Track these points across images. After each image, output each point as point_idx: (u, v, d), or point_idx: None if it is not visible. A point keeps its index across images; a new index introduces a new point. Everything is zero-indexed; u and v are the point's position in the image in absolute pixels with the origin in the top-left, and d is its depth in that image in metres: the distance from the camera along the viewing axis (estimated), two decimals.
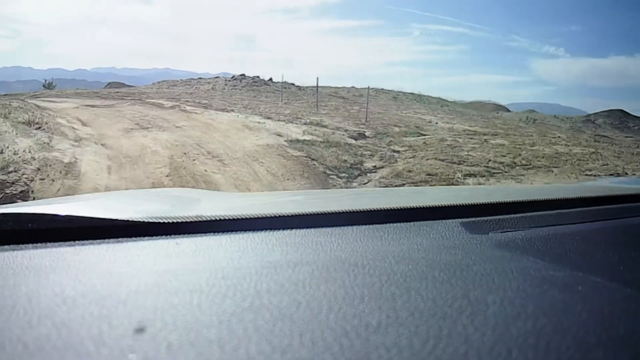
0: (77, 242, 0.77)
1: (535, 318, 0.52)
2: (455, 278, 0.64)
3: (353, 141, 12.37)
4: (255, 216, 0.89)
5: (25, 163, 7.86)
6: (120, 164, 8.89)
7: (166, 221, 0.83)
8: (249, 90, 25.53)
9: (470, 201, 1.18)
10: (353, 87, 31.35)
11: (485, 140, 13.32)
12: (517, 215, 1.03)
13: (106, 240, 0.79)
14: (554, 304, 0.57)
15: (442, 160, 10.75)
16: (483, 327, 0.50)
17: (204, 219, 0.86)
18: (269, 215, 0.90)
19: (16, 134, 9.98)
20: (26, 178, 7.30)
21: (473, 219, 0.98)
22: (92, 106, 16.47)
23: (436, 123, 17.01)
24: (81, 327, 0.49)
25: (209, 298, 0.56)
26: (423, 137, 13.50)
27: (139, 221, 0.83)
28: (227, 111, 16.52)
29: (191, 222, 0.85)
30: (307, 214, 0.96)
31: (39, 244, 0.76)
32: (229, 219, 0.87)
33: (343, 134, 13.37)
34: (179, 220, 0.84)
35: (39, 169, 7.70)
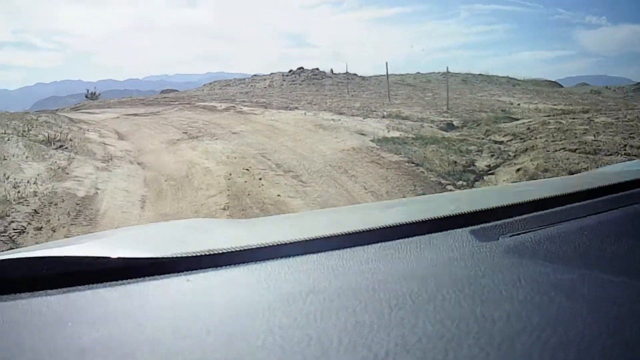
0: (88, 285, 0.76)
1: (541, 330, 0.52)
2: (464, 294, 0.64)
3: (445, 133, 10.42)
4: (264, 245, 0.88)
5: (20, 203, 5.41)
6: (160, 191, 6.36)
7: (177, 256, 0.82)
8: (310, 85, 23.13)
9: (478, 207, 1.08)
10: (418, 72, 29.13)
11: (589, 119, 10.69)
12: (526, 215, 1.02)
13: (119, 281, 0.77)
14: (560, 313, 0.58)
15: (573, 151, 7.97)
16: (488, 347, 0.50)
17: (215, 252, 0.84)
18: (278, 243, 0.88)
19: (27, 157, 7.61)
20: (14, 229, 4.82)
21: (482, 226, 0.96)
22: (135, 115, 14.30)
23: (518, 104, 15.27)
24: None
25: (222, 339, 0.57)
26: (519, 121, 11.49)
27: (150, 258, 0.82)
28: (290, 109, 14.14)
29: (202, 256, 0.83)
30: (315, 239, 0.92)
31: (52, 290, 0.74)
32: (240, 250, 0.86)
33: (431, 126, 11.17)
34: (190, 255, 0.83)
35: (36, 212, 5.20)
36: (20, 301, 0.72)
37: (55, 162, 7.34)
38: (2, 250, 4.40)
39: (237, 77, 29.31)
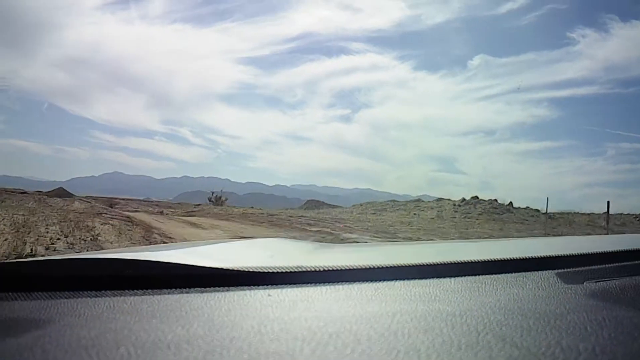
0: (174, 289, 0.79)
1: None
2: (550, 327, 0.66)
3: None
4: (352, 268, 0.90)
5: None
6: None
7: (265, 271, 0.85)
8: (489, 220, 17.94)
9: (565, 252, 1.13)
10: (592, 212, 24.34)
11: None
12: (611, 265, 1.04)
13: (206, 288, 0.80)
14: None
15: None
16: None
17: (302, 270, 0.87)
18: (366, 267, 0.90)
19: None
20: None
21: (568, 270, 0.99)
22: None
23: None
24: None
25: (311, 345, 0.57)
26: None
27: (240, 270, 0.85)
28: None
29: (290, 272, 0.86)
30: (403, 266, 0.95)
31: (139, 291, 0.78)
32: (327, 270, 0.88)
33: None
34: (278, 271, 0.86)
35: None
36: (105, 299, 0.74)
37: None
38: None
39: (385, 197, 25.10)
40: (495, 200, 21.81)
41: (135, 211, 19.81)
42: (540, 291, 0.85)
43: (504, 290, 0.85)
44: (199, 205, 20.81)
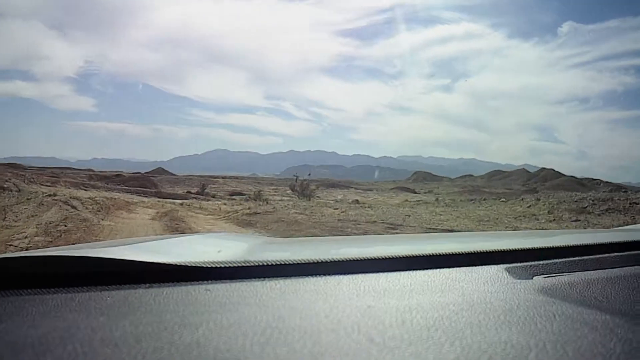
0: (123, 286, 0.77)
1: None
2: (499, 322, 0.65)
3: None
4: (297, 262, 0.89)
5: None
6: None
7: (210, 266, 0.83)
8: None
9: (515, 246, 1.11)
10: None
11: None
12: (560, 260, 1.03)
13: (154, 284, 0.78)
14: (593, 347, 0.58)
15: None
16: None
17: (248, 265, 0.85)
18: (312, 262, 0.89)
19: None
20: None
21: (517, 264, 0.98)
22: None
23: None
24: None
25: (260, 341, 0.56)
26: None
27: (185, 266, 0.82)
28: None
29: (234, 267, 0.84)
30: (350, 260, 0.94)
31: (86, 287, 0.76)
32: (271, 265, 0.87)
33: None
34: (222, 266, 0.84)
35: None
36: (59, 295, 0.73)
37: None
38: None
39: (488, 166, 21.75)
40: None
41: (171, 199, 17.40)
42: (489, 286, 0.84)
43: (453, 285, 0.84)
44: (265, 203, 17.21)
